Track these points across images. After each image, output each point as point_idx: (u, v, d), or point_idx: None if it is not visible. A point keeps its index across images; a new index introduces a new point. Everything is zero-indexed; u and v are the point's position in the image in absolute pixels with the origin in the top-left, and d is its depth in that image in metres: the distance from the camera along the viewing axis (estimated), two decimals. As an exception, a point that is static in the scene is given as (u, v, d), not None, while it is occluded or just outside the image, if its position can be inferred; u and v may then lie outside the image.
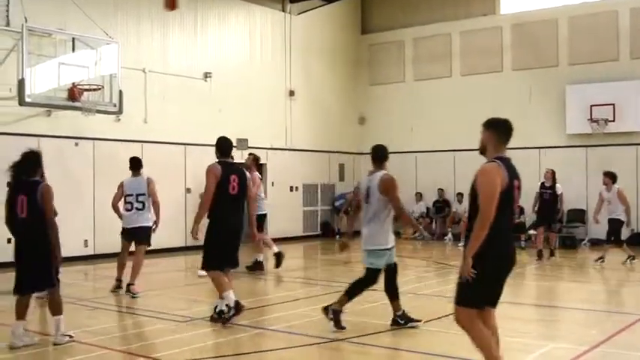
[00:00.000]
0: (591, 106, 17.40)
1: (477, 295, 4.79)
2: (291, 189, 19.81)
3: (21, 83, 12.66)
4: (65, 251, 14.17)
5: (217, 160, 7.89)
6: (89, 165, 14.69)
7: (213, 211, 7.67)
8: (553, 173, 14.66)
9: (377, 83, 21.82)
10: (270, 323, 7.85)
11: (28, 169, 6.99)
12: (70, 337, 6.88)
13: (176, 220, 15.54)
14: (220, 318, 7.66)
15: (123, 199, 10.22)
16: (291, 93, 19.72)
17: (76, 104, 13.65)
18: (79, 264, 13.69)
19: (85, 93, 13.75)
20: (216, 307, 7.80)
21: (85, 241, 14.55)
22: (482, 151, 5.02)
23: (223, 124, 17.49)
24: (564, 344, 6.84)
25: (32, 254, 6.82)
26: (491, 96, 19.14)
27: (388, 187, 7.27)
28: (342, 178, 21.23)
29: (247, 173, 8.20)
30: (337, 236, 20.18)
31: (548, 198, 14.52)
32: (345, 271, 13.91)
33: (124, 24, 15.53)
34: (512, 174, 4.84)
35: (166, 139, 16.03)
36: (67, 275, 12.35)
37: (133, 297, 9.71)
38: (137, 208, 10.11)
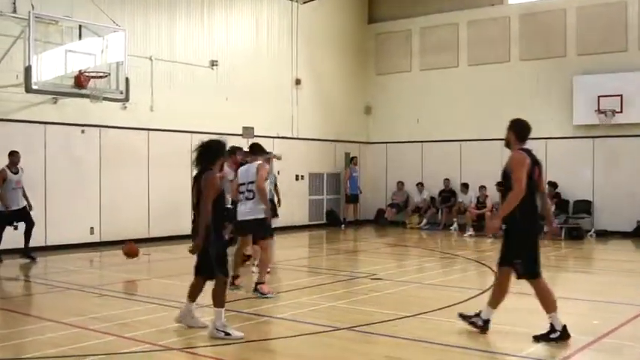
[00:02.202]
0: (599, 96, 17.30)
1: None
2: (297, 178, 19.83)
3: (27, 70, 12.68)
4: (71, 238, 14.36)
5: (519, 148, 6.86)
6: (95, 152, 14.73)
7: (521, 207, 6.44)
8: None
9: (383, 73, 21.76)
10: (276, 311, 7.88)
11: (208, 157, 6.86)
12: (227, 334, 6.57)
13: (178, 209, 15.54)
14: (560, 337, 6.51)
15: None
16: (298, 82, 19.69)
17: (83, 92, 13.66)
18: (85, 251, 13.77)
19: (92, 80, 13.77)
20: (553, 326, 6.53)
21: (91, 228, 14.59)
22: None
23: (229, 112, 17.52)
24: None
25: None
26: (499, 86, 19.06)
27: None
28: (347, 167, 21.19)
29: None
30: (342, 225, 20.20)
31: None
32: (350, 260, 13.95)
33: (131, 12, 15.52)
34: None
35: (172, 126, 16.04)
36: (73, 262, 12.50)
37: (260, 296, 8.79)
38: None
